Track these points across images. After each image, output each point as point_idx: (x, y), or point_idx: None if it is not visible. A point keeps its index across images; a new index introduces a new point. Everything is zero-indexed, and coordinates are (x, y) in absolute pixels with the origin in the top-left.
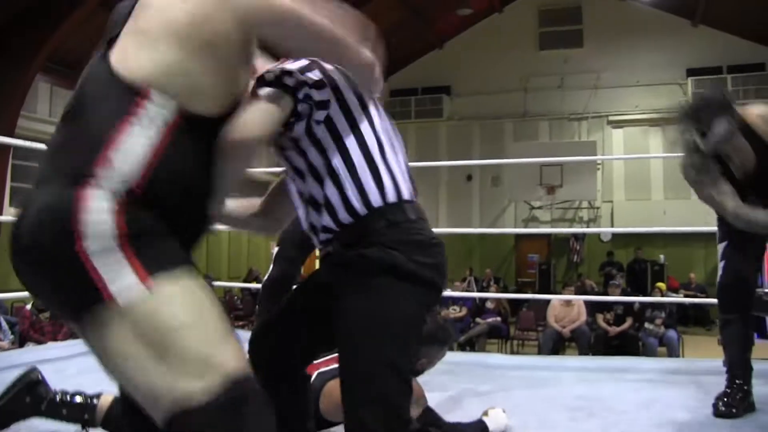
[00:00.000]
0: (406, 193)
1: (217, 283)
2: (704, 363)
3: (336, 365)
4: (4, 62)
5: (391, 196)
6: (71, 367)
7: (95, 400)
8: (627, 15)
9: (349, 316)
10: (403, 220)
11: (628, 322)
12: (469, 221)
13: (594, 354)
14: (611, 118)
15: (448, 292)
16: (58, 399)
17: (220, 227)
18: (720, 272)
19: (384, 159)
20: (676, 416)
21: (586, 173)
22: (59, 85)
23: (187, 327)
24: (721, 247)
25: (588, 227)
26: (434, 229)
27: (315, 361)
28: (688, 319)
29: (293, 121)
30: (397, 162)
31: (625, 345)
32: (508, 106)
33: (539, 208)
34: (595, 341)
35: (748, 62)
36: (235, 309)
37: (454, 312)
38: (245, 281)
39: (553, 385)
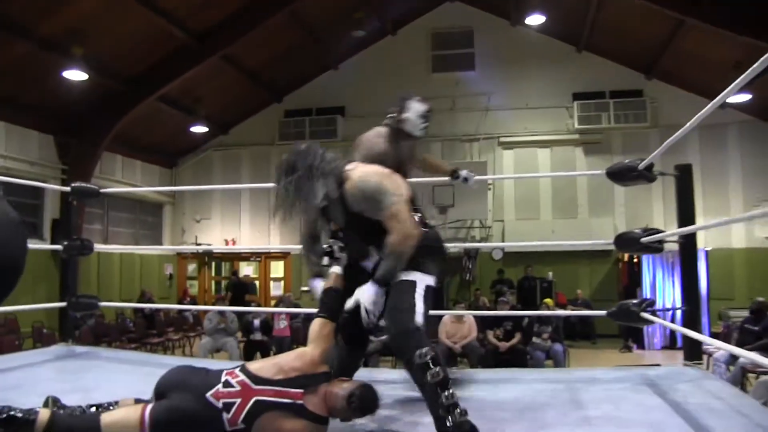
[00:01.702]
0: None
1: (109, 304)
2: (581, 372)
3: (276, 398)
4: (82, 141)
5: None
6: None
7: (32, 416)
8: (517, 40)
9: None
10: None
11: (517, 337)
12: None
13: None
14: (502, 139)
15: None
16: None
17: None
18: None
19: None
20: (548, 420)
21: (478, 193)
22: (126, 156)
23: None
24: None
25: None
26: None
27: (257, 386)
28: (575, 333)
29: None
30: None
31: (514, 359)
32: None
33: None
34: (486, 356)
35: (628, 88)
36: (127, 331)
37: None
38: (137, 303)
39: None
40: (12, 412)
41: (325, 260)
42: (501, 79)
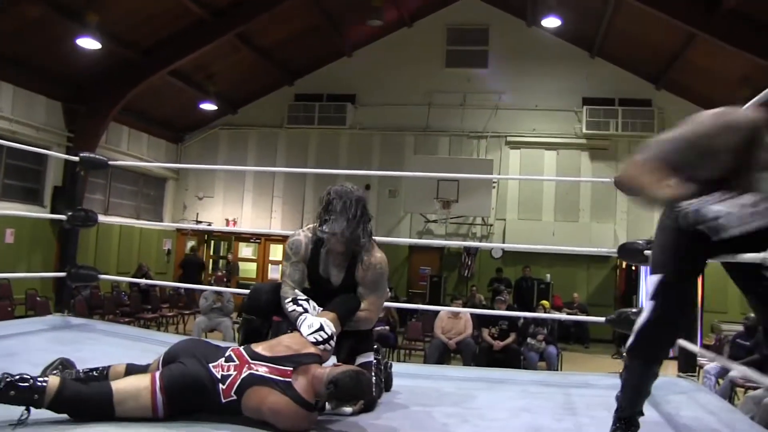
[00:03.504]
0: None
1: (104, 277)
2: (576, 376)
3: (266, 374)
4: (90, 110)
5: None
6: None
7: (42, 383)
8: (531, 41)
9: None
10: None
11: (512, 336)
12: None
13: (477, 366)
14: (509, 138)
15: None
16: (3, 381)
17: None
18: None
19: None
20: (542, 423)
21: (482, 190)
22: (134, 128)
23: None
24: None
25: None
26: None
27: (252, 361)
28: (569, 336)
29: None
30: None
31: (508, 359)
32: (410, 119)
33: (434, 221)
34: (480, 354)
35: (637, 97)
36: (121, 305)
37: None
38: (134, 277)
39: (432, 392)
40: (22, 379)
41: (296, 307)
42: (512, 79)
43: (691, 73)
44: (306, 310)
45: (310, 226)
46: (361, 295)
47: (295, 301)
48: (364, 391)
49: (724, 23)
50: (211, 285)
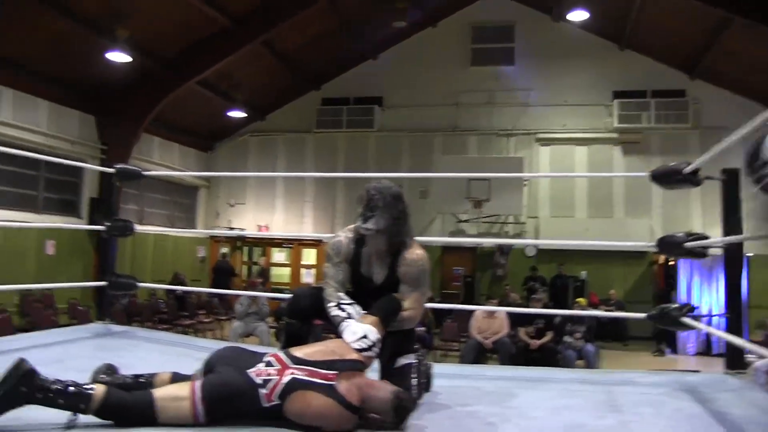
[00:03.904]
0: None
1: (143, 285)
2: (616, 375)
3: (310, 378)
4: (121, 122)
5: None
6: None
7: (89, 390)
8: (558, 35)
9: None
10: None
11: (549, 335)
12: None
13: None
14: (539, 135)
15: None
16: (53, 388)
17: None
18: None
19: None
20: (584, 421)
21: (513, 189)
22: (164, 138)
23: None
24: None
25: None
26: None
27: (293, 365)
28: (606, 334)
29: None
30: None
31: (545, 357)
32: (438, 120)
33: (466, 221)
34: (517, 353)
35: (670, 88)
36: (159, 312)
37: None
38: (170, 285)
39: (472, 392)
40: (70, 387)
41: (340, 312)
42: (540, 75)
43: (727, 59)
44: (350, 316)
45: (351, 226)
46: (403, 293)
47: (339, 306)
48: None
49: (759, 4)
50: (245, 290)
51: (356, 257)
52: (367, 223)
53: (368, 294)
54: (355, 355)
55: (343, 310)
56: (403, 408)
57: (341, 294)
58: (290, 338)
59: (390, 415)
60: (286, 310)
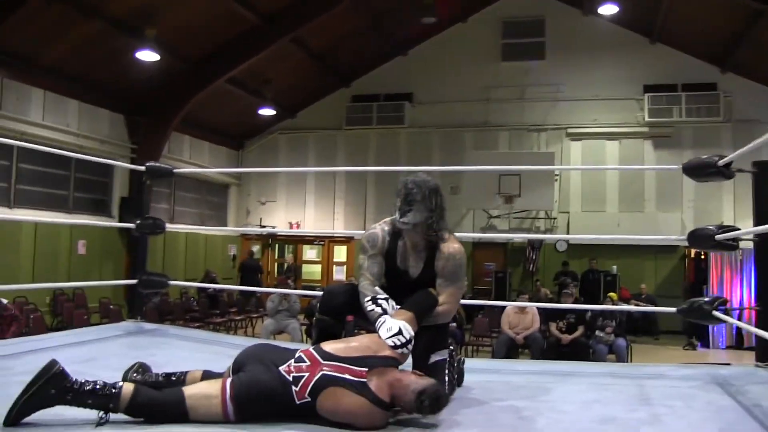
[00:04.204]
0: None
1: (179, 283)
2: (647, 368)
3: (341, 374)
4: (151, 121)
5: None
6: (17, 366)
7: (116, 389)
8: (588, 30)
9: None
10: None
11: (580, 330)
12: None
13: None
14: (570, 130)
15: None
16: (83, 389)
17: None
18: None
19: None
20: (615, 415)
21: (544, 184)
22: (195, 137)
23: None
24: None
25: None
26: None
27: (325, 362)
28: (637, 328)
29: None
30: None
31: (576, 352)
32: (468, 116)
33: (497, 216)
34: (548, 348)
35: (701, 81)
36: (190, 310)
37: None
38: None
39: (504, 387)
40: (98, 387)
41: (375, 307)
42: (571, 69)
43: (759, 52)
44: (385, 311)
45: (387, 219)
46: (439, 286)
47: (374, 300)
48: (446, 403)
49: None
50: (276, 288)
51: (392, 250)
52: (405, 217)
53: (403, 288)
54: (389, 352)
55: (378, 305)
56: (435, 402)
57: (377, 288)
58: (322, 334)
59: (422, 410)
60: (319, 307)
